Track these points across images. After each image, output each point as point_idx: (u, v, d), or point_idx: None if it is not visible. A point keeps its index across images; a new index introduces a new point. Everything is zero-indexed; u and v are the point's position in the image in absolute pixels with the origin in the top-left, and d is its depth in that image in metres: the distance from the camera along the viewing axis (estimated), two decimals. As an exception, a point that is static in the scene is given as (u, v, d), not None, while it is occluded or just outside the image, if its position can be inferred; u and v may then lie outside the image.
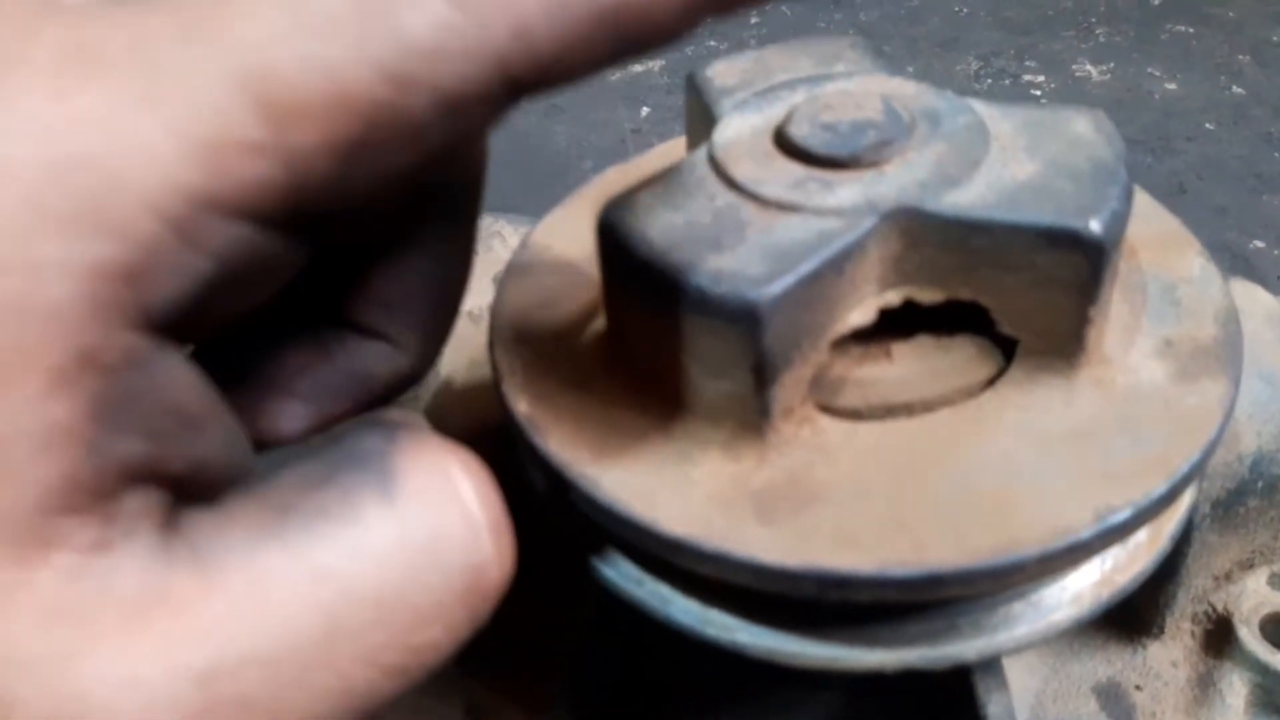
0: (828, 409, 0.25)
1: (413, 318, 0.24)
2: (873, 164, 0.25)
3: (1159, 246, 0.29)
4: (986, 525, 0.22)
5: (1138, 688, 0.35)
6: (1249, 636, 0.35)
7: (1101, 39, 0.89)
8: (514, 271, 0.31)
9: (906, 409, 0.25)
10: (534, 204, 0.45)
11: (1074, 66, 0.84)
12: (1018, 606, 0.24)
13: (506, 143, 0.86)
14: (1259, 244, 0.68)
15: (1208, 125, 0.76)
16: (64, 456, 0.15)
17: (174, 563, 0.16)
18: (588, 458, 0.25)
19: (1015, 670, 0.35)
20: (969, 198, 0.24)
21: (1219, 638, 0.36)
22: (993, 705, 0.29)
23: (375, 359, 0.24)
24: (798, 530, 0.23)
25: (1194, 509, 0.32)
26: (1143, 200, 0.31)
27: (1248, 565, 0.36)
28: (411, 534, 0.18)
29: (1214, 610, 0.36)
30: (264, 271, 0.18)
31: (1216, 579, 0.36)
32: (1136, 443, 0.24)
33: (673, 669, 0.35)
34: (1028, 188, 0.24)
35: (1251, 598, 0.36)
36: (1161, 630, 0.36)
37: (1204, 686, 0.35)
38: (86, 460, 0.15)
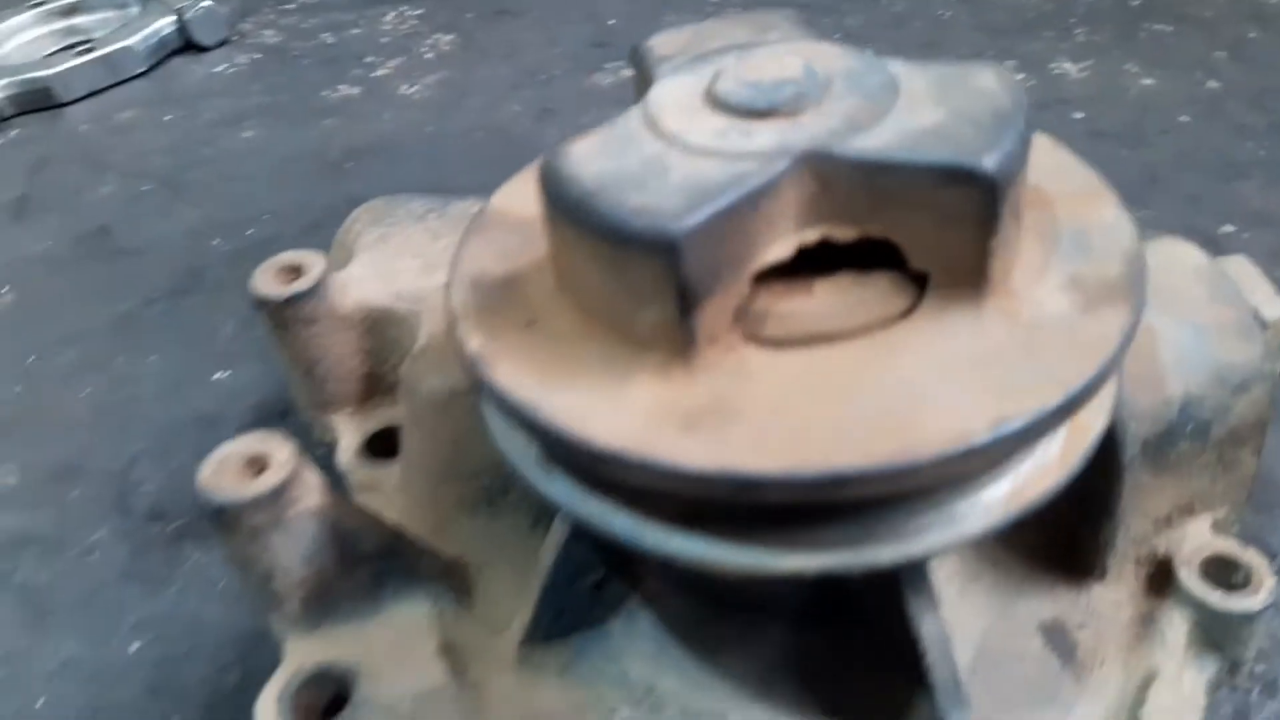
0: (753, 339, 0.27)
1: None
2: (789, 114, 0.27)
3: (1077, 199, 0.31)
4: (889, 434, 0.24)
5: (1081, 626, 0.37)
6: (1189, 576, 0.36)
7: (1080, 38, 0.90)
8: (473, 230, 0.33)
9: (825, 338, 0.27)
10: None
11: (1052, 65, 0.86)
12: (932, 516, 0.26)
13: (500, 145, 0.89)
14: (1229, 228, 0.70)
15: (1182, 118, 0.78)
16: None
17: None
18: (533, 384, 0.27)
19: (963, 612, 0.37)
20: (875, 142, 0.26)
21: (1160, 580, 0.37)
22: (926, 626, 0.30)
23: None
24: (717, 441, 0.24)
25: (1120, 444, 0.34)
26: (1065, 157, 0.33)
27: (1188, 510, 0.38)
28: None
29: (1155, 553, 0.37)
30: None
31: (1156, 522, 0.37)
32: (1037, 365, 0.25)
33: (628, 605, 0.37)
34: (930, 132, 0.26)
35: (1193, 540, 0.37)
36: (1105, 573, 0.37)
37: (1145, 625, 0.36)
38: None
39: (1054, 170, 0.31)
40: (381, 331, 0.45)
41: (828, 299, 0.27)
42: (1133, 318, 0.27)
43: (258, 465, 0.35)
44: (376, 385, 0.47)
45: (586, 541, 0.36)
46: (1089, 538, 0.37)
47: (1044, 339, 0.26)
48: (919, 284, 0.27)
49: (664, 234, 0.24)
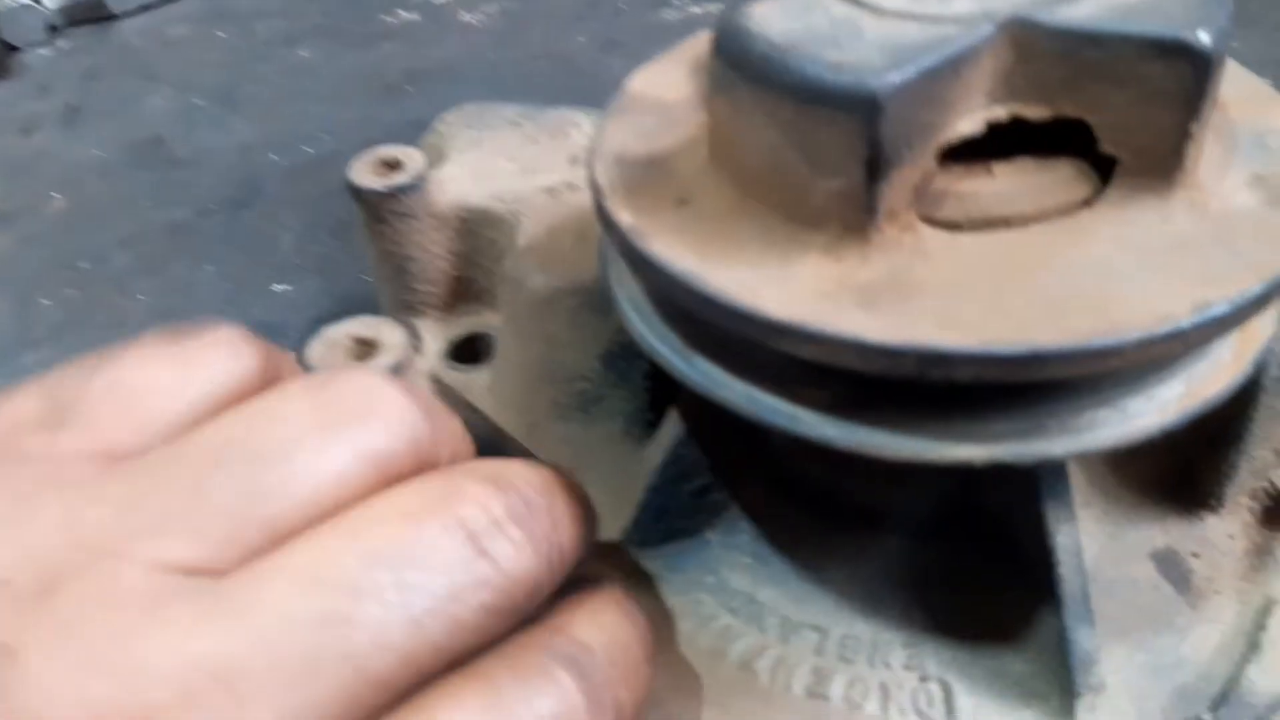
0: (929, 220, 0.25)
1: None
2: (985, -17, 0.25)
3: (1250, 102, 0.30)
4: (1087, 313, 0.23)
5: (1195, 555, 0.36)
6: None
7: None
8: (612, 112, 0.31)
9: (1005, 222, 0.25)
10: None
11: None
12: (1104, 412, 0.25)
13: (563, 74, 0.87)
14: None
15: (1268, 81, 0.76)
16: None
17: None
18: (692, 259, 0.25)
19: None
20: (1081, 12, 0.24)
21: (1275, 513, 0.36)
22: (1062, 536, 0.29)
23: None
24: (900, 315, 0.23)
25: (1263, 366, 0.32)
26: (1233, 66, 0.31)
27: None
28: None
29: (1273, 486, 0.36)
30: None
31: (1277, 453, 0.36)
32: (1231, 253, 0.24)
33: (728, 517, 0.36)
34: (1136, 6, 0.24)
35: None
36: (1220, 503, 0.36)
37: (1260, 555, 0.35)
38: None
39: (1226, 74, 0.30)
40: (477, 233, 0.43)
41: (1009, 182, 0.26)
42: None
43: (367, 348, 0.34)
44: (463, 291, 0.46)
45: (696, 444, 0.35)
46: (1209, 467, 0.36)
47: (1235, 230, 0.25)
48: (1103, 172, 0.26)
49: (867, 90, 0.22)
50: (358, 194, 0.41)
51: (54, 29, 0.91)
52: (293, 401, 0.20)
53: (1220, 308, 0.23)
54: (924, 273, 0.24)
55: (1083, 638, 0.31)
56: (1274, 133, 0.28)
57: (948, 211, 0.25)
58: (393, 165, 0.42)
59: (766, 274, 0.25)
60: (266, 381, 0.22)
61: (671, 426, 0.34)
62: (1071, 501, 0.29)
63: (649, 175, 0.29)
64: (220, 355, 0.21)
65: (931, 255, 0.25)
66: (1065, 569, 0.30)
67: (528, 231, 0.41)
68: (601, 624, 0.22)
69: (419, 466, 0.21)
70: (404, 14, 0.90)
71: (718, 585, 0.36)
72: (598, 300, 0.36)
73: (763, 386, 0.27)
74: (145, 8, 0.93)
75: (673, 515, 0.36)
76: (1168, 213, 0.25)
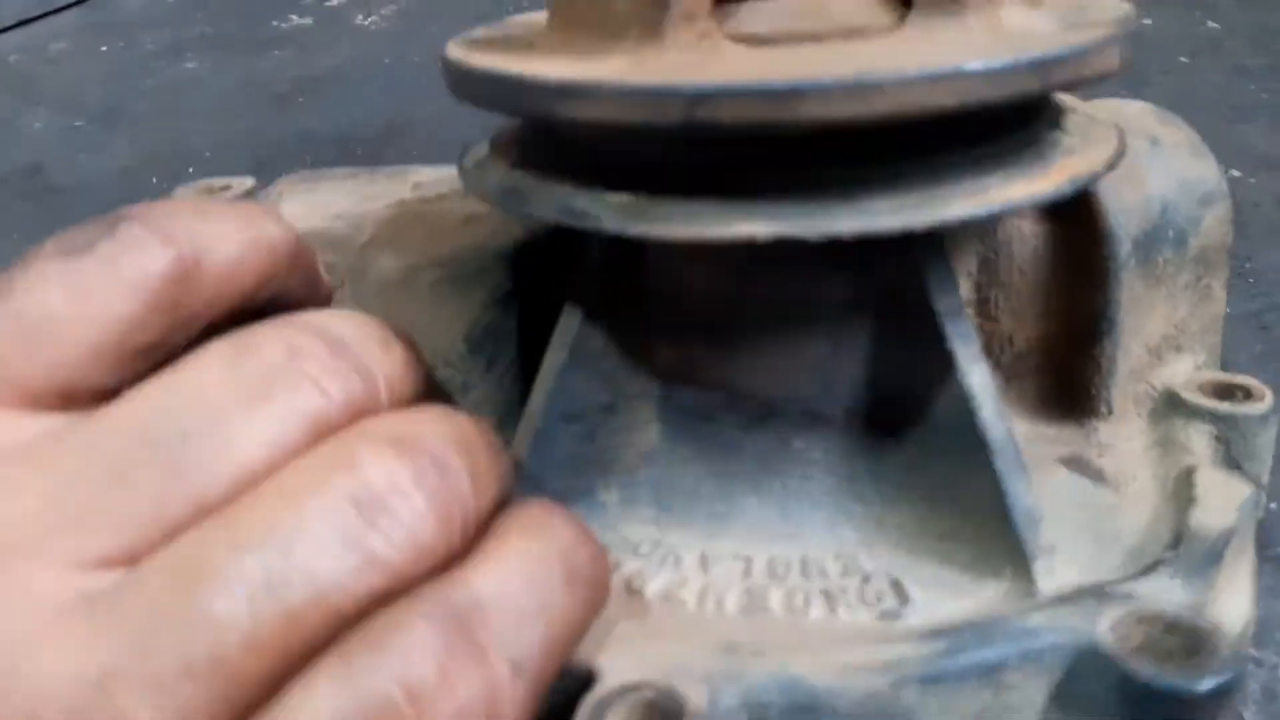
0: (729, 34, 0.28)
1: None
2: None
3: None
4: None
5: (1100, 456, 0.36)
6: (1194, 396, 0.36)
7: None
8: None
9: (805, 37, 0.28)
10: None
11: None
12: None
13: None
14: (1235, 173, 0.72)
15: (1182, 59, 0.81)
16: None
17: None
18: (512, 65, 0.28)
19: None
20: None
21: (1163, 414, 0.37)
22: (974, 377, 0.30)
23: None
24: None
25: (1114, 239, 0.35)
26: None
27: (1174, 346, 0.38)
28: None
29: (1154, 388, 0.38)
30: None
31: (1149, 351, 0.37)
32: (1024, 44, 0.26)
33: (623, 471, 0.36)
34: None
35: (1184, 375, 0.38)
36: (1110, 407, 0.37)
37: (1164, 445, 0.36)
38: None
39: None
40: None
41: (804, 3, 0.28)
42: (1118, 36, 0.28)
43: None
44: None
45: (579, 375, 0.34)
46: (1090, 366, 0.37)
47: (1029, 41, 0.27)
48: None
49: None
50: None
51: (-75, 50, 0.94)
52: (212, 370, 0.21)
53: (1003, 60, 0.25)
54: (713, 65, 0.26)
55: (1020, 491, 0.30)
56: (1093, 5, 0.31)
57: (745, 25, 0.28)
58: (221, 190, 0.43)
59: (574, 69, 0.27)
60: (184, 279, 0.23)
61: (552, 357, 0.34)
62: (976, 341, 0.30)
63: (497, 40, 0.32)
64: (131, 265, 0.22)
65: (725, 55, 0.27)
66: (985, 414, 0.30)
67: (371, 233, 0.41)
68: (501, 560, 0.22)
69: (354, 418, 0.21)
70: (296, 19, 0.94)
71: (620, 541, 0.34)
72: (458, 274, 0.37)
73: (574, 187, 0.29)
74: (23, 22, 0.96)
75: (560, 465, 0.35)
76: (965, 34, 0.28)
